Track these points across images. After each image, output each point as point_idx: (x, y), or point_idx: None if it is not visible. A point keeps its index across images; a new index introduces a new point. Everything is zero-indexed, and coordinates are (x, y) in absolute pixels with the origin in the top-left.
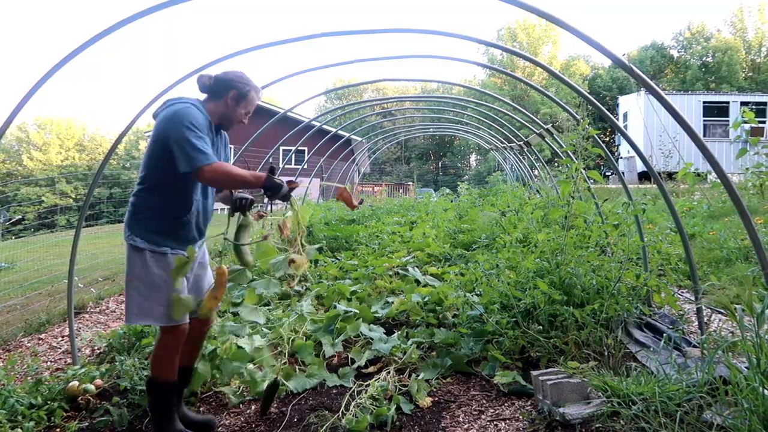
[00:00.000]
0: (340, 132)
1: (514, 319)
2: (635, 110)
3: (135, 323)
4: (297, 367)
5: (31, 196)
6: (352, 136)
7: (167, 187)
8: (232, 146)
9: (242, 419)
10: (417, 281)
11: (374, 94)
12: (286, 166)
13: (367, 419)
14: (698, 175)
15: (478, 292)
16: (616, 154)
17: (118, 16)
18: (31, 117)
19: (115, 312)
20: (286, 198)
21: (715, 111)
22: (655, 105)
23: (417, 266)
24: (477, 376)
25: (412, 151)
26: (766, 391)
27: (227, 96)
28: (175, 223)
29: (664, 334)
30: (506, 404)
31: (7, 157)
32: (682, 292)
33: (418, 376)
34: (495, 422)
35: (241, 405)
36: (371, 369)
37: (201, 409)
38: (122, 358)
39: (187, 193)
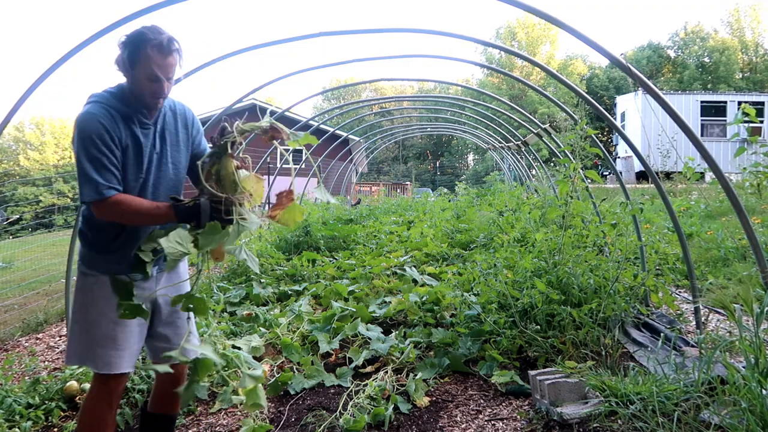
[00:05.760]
0: (337, 132)
1: (512, 319)
2: (633, 110)
3: (73, 365)
4: (294, 366)
5: (28, 195)
6: (350, 136)
7: None
8: None
9: (239, 419)
10: (414, 281)
11: (372, 93)
12: (284, 166)
13: (365, 419)
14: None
15: (476, 292)
16: (613, 153)
17: (117, 16)
18: (27, 117)
19: None
20: (219, 219)
21: (713, 111)
22: (652, 105)
23: (414, 266)
24: (474, 376)
25: (409, 151)
26: (763, 390)
27: (124, 67)
28: (119, 240)
29: (662, 334)
30: (504, 404)
31: (4, 157)
32: (679, 292)
33: (415, 375)
34: (492, 422)
35: (238, 405)
36: (369, 369)
37: (198, 409)
38: None
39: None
